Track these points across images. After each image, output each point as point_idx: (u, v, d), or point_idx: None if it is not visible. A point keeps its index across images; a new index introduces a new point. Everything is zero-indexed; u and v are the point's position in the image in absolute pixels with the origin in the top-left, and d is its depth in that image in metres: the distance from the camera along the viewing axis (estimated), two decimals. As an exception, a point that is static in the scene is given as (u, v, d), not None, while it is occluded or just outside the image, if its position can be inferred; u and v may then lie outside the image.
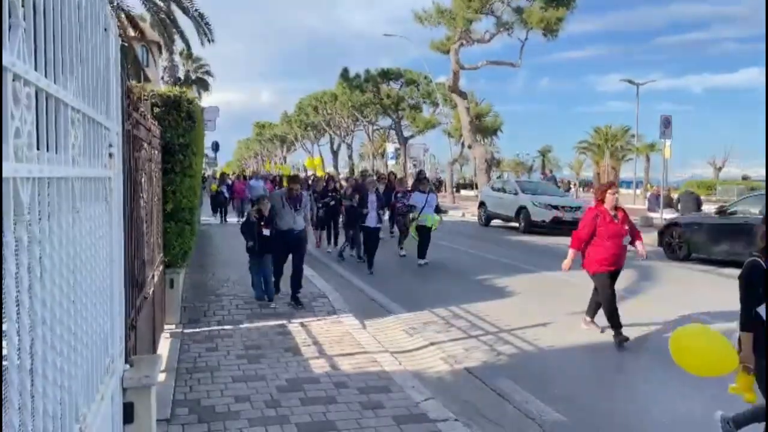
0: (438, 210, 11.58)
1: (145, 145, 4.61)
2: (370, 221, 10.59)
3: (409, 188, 13.05)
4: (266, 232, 7.58)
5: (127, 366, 3.23)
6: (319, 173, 27.57)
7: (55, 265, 1.76)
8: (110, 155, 2.82)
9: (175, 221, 6.38)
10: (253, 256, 7.66)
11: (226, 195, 20.20)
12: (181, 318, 6.79)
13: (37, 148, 1.60)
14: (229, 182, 20.95)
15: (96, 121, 2.40)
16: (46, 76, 1.64)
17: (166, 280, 6.41)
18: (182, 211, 6.42)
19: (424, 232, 11.12)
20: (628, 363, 5.83)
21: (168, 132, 6.13)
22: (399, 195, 12.67)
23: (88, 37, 2.35)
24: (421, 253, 11.09)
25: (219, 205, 19.87)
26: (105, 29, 2.75)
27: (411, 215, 11.33)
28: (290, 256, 7.87)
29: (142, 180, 4.49)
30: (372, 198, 10.75)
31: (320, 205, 12.58)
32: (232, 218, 19.87)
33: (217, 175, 31.99)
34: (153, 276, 5.11)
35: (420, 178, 12.45)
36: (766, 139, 28.16)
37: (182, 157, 6.32)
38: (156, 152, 5.55)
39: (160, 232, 5.95)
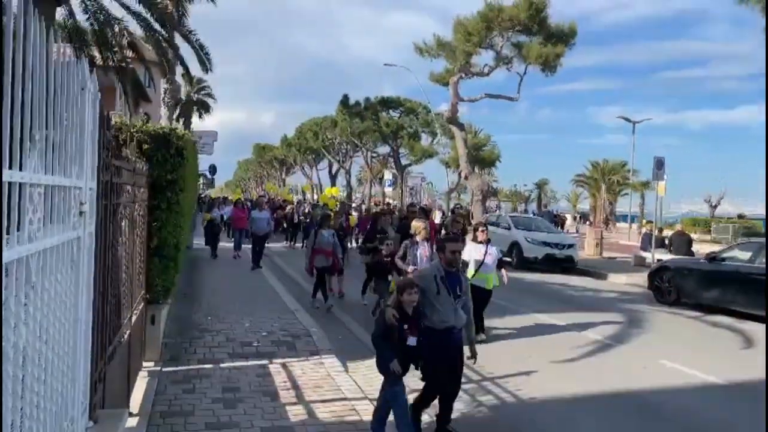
0: (501, 265, 8.64)
1: (128, 187, 4.61)
2: None
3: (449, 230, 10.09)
4: (412, 341, 4.51)
5: (91, 423, 3.17)
6: (331, 204, 25.23)
7: None
8: (81, 213, 2.80)
9: (159, 257, 6.34)
10: (395, 379, 4.64)
11: (220, 225, 18.01)
12: (162, 355, 6.71)
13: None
14: (223, 213, 18.15)
15: (62, 186, 2.39)
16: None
17: (147, 316, 6.35)
18: (167, 247, 6.39)
19: (482, 297, 8.09)
20: (606, 417, 5.74)
21: (156, 169, 6.14)
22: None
23: (60, 101, 2.36)
24: (478, 324, 7.64)
25: (213, 236, 17.44)
26: (82, 88, 2.76)
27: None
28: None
29: (123, 224, 4.47)
30: (421, 250, 7.80)
31: (359, 247, 11.49)
32: (226, 243, 18.82)
33: (213, 197, 30.73)
34: (131, 317, 5.06)
35: (478, 226, 8.87)
36: (766, 160, 28.46)
37: (170, 194, 6.32)
38: (142, 190, 5.55)
39: (143, 269, 5.92)
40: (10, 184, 1.71)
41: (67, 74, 2.42)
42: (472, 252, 8.22)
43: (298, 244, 21.50)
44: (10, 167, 1.72)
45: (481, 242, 8.42)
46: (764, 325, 9.17)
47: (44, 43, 2.04)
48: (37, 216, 2.03)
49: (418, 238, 7.92)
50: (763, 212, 31.02)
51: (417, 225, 8.25)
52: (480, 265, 8.17)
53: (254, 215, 15.79)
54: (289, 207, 26.62)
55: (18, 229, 1.83)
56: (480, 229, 8.61)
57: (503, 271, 8.61)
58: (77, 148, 2.67)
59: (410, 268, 7.57)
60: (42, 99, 2.08)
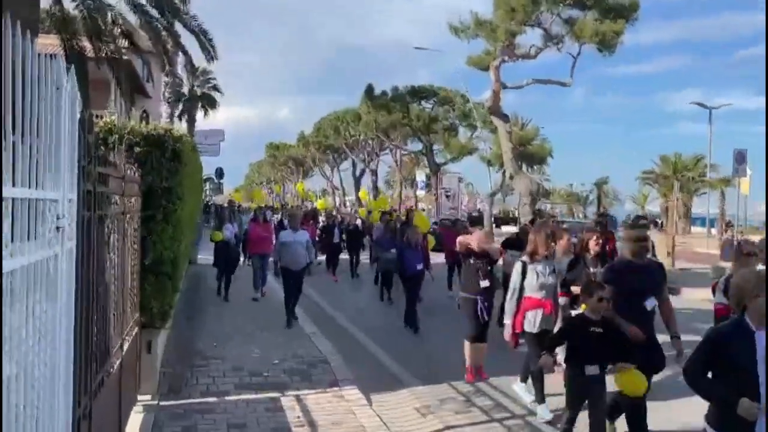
0: None
1: (116, 197, 4.70)
2: None
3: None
4: None
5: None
6: (381, 206, 21.77)
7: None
8: (57, 228, 2.87)
9: (155, 275, 6.45)
10: None
11: (236, 248, 13.81)
12: (159, 387, 6.81)
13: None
14: (231, 232, 13.49)
15: (31, 199, 2.45)
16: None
17: (141, 343, 6.46)
18: (163, 263, 6.50)
19: None
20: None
21: (150, 174, 6.26)
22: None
23: (29, 102, 2.42)
24: None
25: (227, 265, 13.05)
26: (57, 87, 2.83)
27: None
28: None
29: (111, 238, 4.56)
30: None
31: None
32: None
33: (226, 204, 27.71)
34: (122, 344, 5.15)
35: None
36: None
37: (165, 203, 6.43)
38: (133, 200, 5.66)
39: (136, 288, 6.03)
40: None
41: (38, 72, 2.48)
42: None
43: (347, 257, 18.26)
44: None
45: None
46: None
47: None
48: None
49: None
50: None
51: None
52: None
53: (284, 238, 10.89)
54: (323, 220, 21.81)
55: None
56: None
57: None
58: (51, 155, 2.73)
59: None
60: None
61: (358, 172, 57.15)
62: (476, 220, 29.32)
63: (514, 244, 9.93)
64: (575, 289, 6.45)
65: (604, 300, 5.05)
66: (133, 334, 5.87)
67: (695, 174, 49.66)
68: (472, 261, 7.76)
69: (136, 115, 25.16)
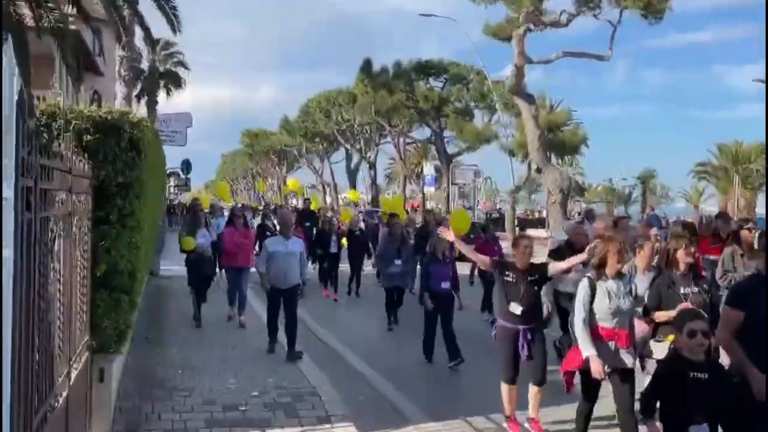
0: None
1: (62, 194, 4.70)
2: None
3: None
4: None
5: None
6: (395, 207, 21.39)
7: None
8: (-9, 235, 2.87)
9: (108, 290, 6.45)
10: None
11: (212, 260, 13.27)
12: (114, 424, 6.83)
13: None
14: (202, 240, 12.64)
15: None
16: None
17: (93, 370, 6.46)
18: (118, 275, 6.50)
19: None
20: None
21: (103, 168, 6.26)
22: None
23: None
24: None
25: (202, 279, 12.66)
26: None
27: None
28: None
29: (56, 245, 4.56)
30: None
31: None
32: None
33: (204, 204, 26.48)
34: (69, 372, 5.15)
35: None
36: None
37: (121, 201, 6.43)
38: (83, 198, 5.67)
39: (86, 305, 6.03)
40: None
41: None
42: None
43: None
44: None
45: None
46: None
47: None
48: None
49: None
50: None
51: None
52: None
53: (273, 247, 10.37)
54: (322, 221, 20.48)
55: None
56: None
57: None
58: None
59: None
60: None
61: (353, 165, 57.19)
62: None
63: (564, 254, 8.68)
64: (660, 314, 6.11)
65: (698, 334, 4.41)
66: (83, 360, 5.86)
67: (760, 166, 49.69)
68: (508, 277, 7.22)
69: (85, 96, 25.24)
